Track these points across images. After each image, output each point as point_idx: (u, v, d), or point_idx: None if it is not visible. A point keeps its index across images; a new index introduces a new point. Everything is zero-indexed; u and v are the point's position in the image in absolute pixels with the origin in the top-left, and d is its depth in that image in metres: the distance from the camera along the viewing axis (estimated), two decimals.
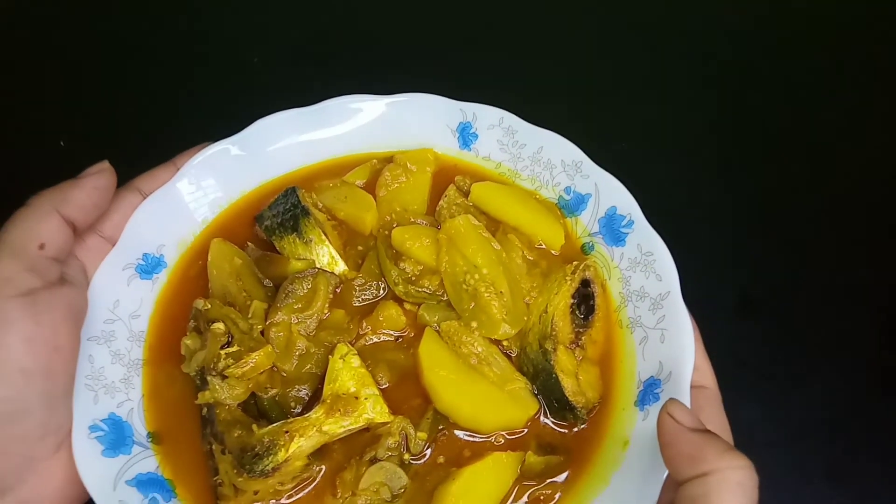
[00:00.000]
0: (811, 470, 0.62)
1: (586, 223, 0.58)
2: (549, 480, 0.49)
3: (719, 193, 0.77)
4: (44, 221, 0.47)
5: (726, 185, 0.78)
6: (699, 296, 0.54)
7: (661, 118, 0.81)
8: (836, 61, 0.88)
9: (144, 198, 0.56)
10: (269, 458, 0.46)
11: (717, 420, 0.47)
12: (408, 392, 0.52)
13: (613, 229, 0.56)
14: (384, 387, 0.52)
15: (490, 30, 0.88)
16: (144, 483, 0.47)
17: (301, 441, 0.47)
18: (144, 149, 0.53)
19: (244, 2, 0.91)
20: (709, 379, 0.49)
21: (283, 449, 0.46)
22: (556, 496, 0.48)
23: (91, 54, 0.85)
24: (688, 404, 0.46)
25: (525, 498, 0.48)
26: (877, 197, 0.78)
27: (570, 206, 0.59)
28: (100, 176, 0.51)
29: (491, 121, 0.61)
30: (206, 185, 0.59)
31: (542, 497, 0.48)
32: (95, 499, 0.45)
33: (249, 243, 0.59)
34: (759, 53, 0.88)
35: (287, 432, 0.47)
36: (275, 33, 0.87)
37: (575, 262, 0.56)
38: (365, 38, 0.86)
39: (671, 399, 0.42)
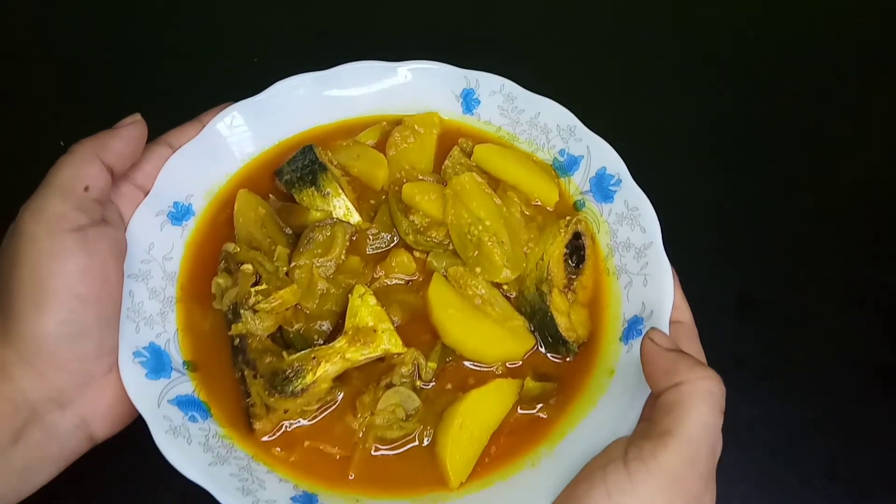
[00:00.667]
0: (811, 469, 0.63)
1: (578, 182, 0.64)
2: (544, 404, 0.55)
3: (719, 193, 0.78)
4: (87, 166, 0.52)
5: (726, 185, 0.79)
6: (699, 296, 0.57)
7: (661, 118, 0.82)
8: (837, 61, 0.89)
9: (174, 151, 0.60)
10: (299, 381, 0.52)
11: (693, 349, 0.54)
12: (418, 329, 0.58)
13: (603, 187, 0.63)
14: (396, 324, 0.58)
15: (491, 28, 0.90)
16: (184, 403, 0.53)
17: (327, 366, 0.52)
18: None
19: (243, 1, 0.93)
20: (686, 315, 0.56)
21: (310, 372, 0.52)
22: (551, 416, 0.55)
23: (92, 54, 0.86)
24: None
25: (525, 413, 0.55)
26: (877, 197, 0.79)
27: (563, 167, 0.65)
28: (134, 126, 0.55)
29: (493, 87, 0.67)
30: (230, 140, 0.64)
31: (538, 417, 0.55)
32: (143, 413, 0.50)
33: (271, 195, 0.64)
34: (760, 53, 0.90)
35: (314, 358, 0.53)
36: (274, 32, 0.89)
37: (568, 217, 0.62)
38: (364, 32, 0.88)
39: (652, 327, 0.49)
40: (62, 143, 0.52)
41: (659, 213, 0.58)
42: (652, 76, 0.88)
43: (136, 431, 0.51)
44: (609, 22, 0.93)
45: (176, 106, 0.63)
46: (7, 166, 0.74)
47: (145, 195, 0.58)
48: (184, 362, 0.55)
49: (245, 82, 0.65)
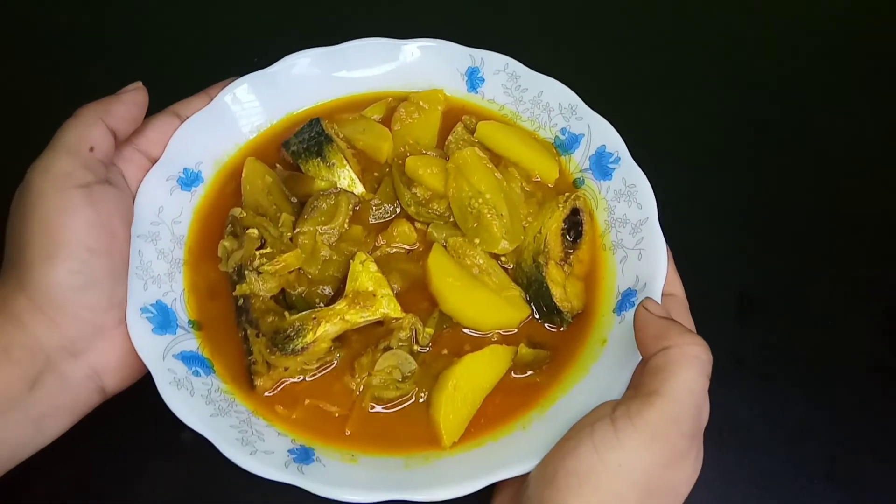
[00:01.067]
0: (811, 470, 0.63)
1: (578, 160, 0.66)
2: (537, 370, 0.57)
3: (719, 193, 0.78)
4: (92, 128, 0.54)
5: (726, 185, 0.79)
6: (699, 296, 0.57)
7: (660, 118, 0.83)
8: (837, 61, 0.89)
9: (182, 120, 0.62)
10: (299, 339, 0.54)
11: (684, 320, 0.55)
12: (417, 297, 0.60)
13: (602, 165, 0.64)
14: (396, 291, 0.59)
15: (493, 25, 0.90)
16: (188, 358, 0.54)
17: (327, 326, 0.54)
18: None
19: (242, 1, 0.94)
20: (678, 288, 0.57)
21: (311, 332, 0.54)
22: (544, 382, 0.56)
23: (93, 53, 0.87)
24: None
25: (518, 377, 0.56)
26: (877, 196, 0.78)
27: (564, 146, 0.67)
28: (136, 92, 0.57)
29: (497, 66, 0.68)
30: (239, 112, 0.65)
31: (531, 383, 0.56)
32: (148, 365, 0.52)
33: (278, 165, 0.65)
34: (760, 53, 0.90)
35: (315, 318, 0.54)
36: (274, 31, 0.89)
37: (567, 193, 0.64)
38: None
39: (647, 297, 0.50)
40: None
41: (659, 212, 0.59)
42: (651, 75, 0.88)
43: (134, 431, 0.53)
44: (608, 21, 0.93)
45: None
46: (8, 164, 0.75)
47: (150, 161, 0.60)
48: (189, 321, 0.57)
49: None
